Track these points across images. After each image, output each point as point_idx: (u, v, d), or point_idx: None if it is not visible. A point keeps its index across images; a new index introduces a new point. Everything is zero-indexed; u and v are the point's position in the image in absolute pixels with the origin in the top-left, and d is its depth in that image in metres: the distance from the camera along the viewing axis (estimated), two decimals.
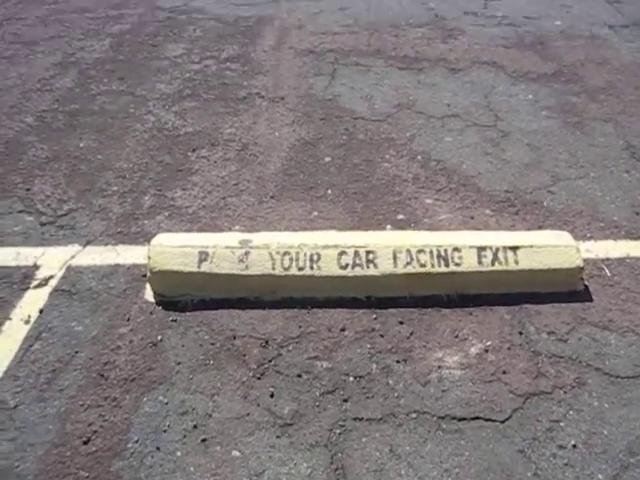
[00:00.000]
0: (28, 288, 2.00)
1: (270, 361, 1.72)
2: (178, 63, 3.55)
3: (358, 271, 1.87)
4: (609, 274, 2.05)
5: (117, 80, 3.37)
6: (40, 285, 2.02)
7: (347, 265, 1.87)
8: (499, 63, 3.54)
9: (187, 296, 1.92)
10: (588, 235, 2.24)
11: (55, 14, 4.54)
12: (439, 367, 1.70)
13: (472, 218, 2.26)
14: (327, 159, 2.60)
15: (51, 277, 2.05)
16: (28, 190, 2.48)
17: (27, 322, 1.88)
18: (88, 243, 2.18)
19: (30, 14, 4.57)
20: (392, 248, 1.89)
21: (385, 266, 1.87)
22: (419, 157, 2.62)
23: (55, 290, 1.99)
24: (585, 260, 2.02)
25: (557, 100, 3.16)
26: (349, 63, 3.50)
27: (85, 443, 1.51)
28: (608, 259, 2.13)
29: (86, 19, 4.40)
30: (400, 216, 2.26)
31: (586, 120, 2.98)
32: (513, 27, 4.13)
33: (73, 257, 2.12)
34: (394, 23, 4.14)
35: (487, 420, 1.57)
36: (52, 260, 2.12)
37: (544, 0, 4.77)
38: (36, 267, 2.09)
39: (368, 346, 1.76)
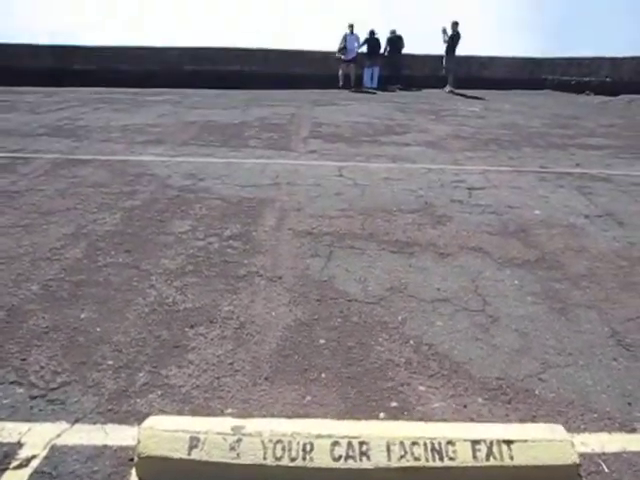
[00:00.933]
0: (7, 469, 1.92)
1: None
2: (183, 239, 3.78)
3: (351, 463, 1.82)
4: (607, 470, 2.01)
5: (124, 253, 3.55)
6: (20, 466, 1.94)
7: (340, 457, 1.83)
8: (485, 249, 3.78)
9: None
10: (582, 427, 2.22)
11: (73, 187, 4.91)
12: None
13: (465, 407, 2.27)
14: (322, 341, 2.66)
15: (33, 457, 1.98)
16: (24, 360, 2.49)
17: None
18: (77, 421, 2.14)
19: (50, 186, 4.95)
20: (386, 440, 1.87)
21: (379, 459, 1.83)
22: (411, 341, 2.69)
23: (35, 472, 1.91)
24: (581, 455, 1.99)
25: (541, 286, 3.32)
26: (344, 246, 3.73)
27: None
28: (604, 454, 2.10)
29: (101, 193, 4.75)
30: (393, 403, 2.26)
31: (570, 306, 3.11)
32: (496, 215, 4.47)
33: (59, 435, 2.07)
34: (386, 209, 4.50)
35: None
36: (37, 438, 2.06)
37: (523, 191, 5.22)
38: (19, 445, 2.03)
39: None
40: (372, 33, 15.36)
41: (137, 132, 7.76)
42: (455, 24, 14.45)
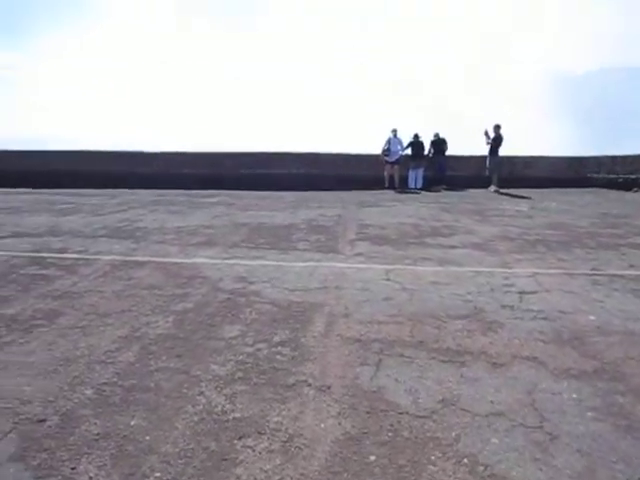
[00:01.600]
0: None
1: None
2: (233, 345, 3.82)
3: None
4: None
5: (175, 357, 3.61)
6: None
7: None
8: (539, 359, 3.65)
9: None
10: None
11: (129, 289, 5.11)
12: None
13: None
14: (372, 457, 2.57)
15: None
16: (73, 469, 2.50)
17: None
18: None
19: (108, 288, 5.17)
20: None
21: None
22: (465, 460, 2.56)
23: None
24: None
25: (602, 400, 3.15)
26: (393, 354, 3.68)
27: None
28: None
29: (155, 296, 4.92)
30: None
31: (636, 424, 2.92)
32: (549, 322, 4.34)
33: None
34: (435, 314, 4.45)
35: None
36: None
37: (576, 295, 5.09)
38: None
39: None
40: (416, 136, 16.02)
41: (191, 234, 8.11)
42: (497, 127, 14.91)
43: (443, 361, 3.59)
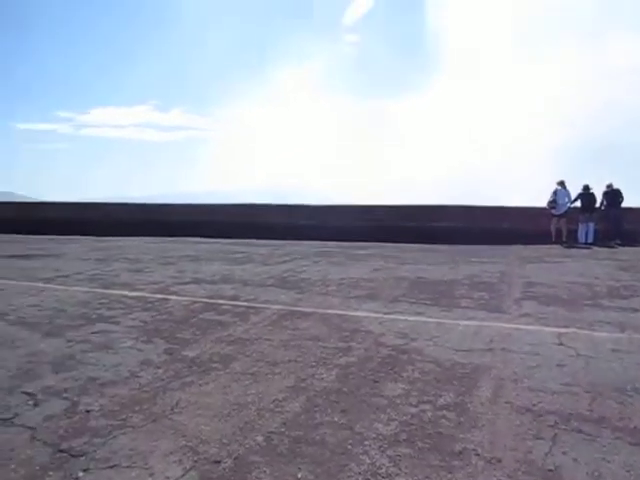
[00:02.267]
0: None
1: None
2: (396, 404, 3.78)
3: None
4: None
5: (339, 412, 3.67)
6: None
7: None
8: None
9: None
10: None
11: (295, 339, 5.35)
12: None
13: None
14: None
15: None
16: None
17: None
18: None
19: (276, 337, 5.47)
20: None
21: None
22: None
23: None
24: None
25: None
26: (570, 429, 3.36)
27: None
28: None
29: (319, 347, 5.08)
30: None
31: None
32: None
33: None
34: (617, 386, 4.00)
35: None
36: None
37: None
38: None
39: None
40: (586, 188, 14.92)
41: (352, 286, 8.31)
42: None
43: (631, 443, 3.18)
